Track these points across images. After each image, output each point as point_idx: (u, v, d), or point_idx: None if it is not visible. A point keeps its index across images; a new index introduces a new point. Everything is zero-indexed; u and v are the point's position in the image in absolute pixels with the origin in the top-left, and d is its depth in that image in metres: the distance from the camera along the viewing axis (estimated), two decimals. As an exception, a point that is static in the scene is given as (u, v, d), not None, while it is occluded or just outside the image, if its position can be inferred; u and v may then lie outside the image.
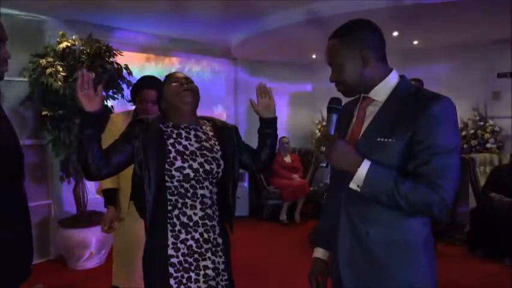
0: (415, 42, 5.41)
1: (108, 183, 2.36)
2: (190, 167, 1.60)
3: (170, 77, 1.74)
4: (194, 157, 1.63)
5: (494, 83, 5.22)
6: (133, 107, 2.48)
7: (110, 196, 2.39)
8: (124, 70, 4.00)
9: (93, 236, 3.96)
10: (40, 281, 3.47)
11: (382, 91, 1.32)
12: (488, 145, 5.23)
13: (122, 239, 2.47)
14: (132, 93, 2.46)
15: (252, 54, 6.38)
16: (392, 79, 1.33)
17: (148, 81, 2.40)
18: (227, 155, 1.72)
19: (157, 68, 5.58)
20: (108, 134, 2.24)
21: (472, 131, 5.37)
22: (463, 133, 5.38)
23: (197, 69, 6.18)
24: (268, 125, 1.78)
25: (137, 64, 5.14)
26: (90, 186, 4.30)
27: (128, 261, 2.38)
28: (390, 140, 1.23)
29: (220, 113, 6.55)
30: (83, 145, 1.49)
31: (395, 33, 4.70)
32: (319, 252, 1.54)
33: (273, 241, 4.99)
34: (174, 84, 1.69)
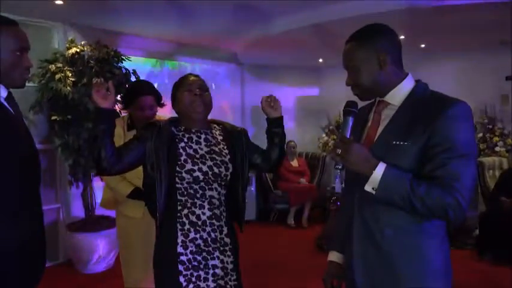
0: (422, 46, 5.39)
1: (128, 187, 2.37)
2: (200, 169, 1.66)
3: (184, 82, 1.76)
4: (204, 160, 1.68)
5: (502, 86, 5.19)
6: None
7: (139, 192, 2.33)
8: (132, 75, 4.04)
9: (101, 239, 3.98)
10: (49, 285, 3.48)
11: (398, 95, 1.33)
12: (497, 148, 5.20)
13: (129, 244, 2.48)
14: (125, 100, 2.47)
15: (259, 59, 6.39)
16: (408, 83, 1.34)
17: (143, 88, 2.43)
18: (236, 158, 1.76)
19: (164, 72, 5.62)
20: None
21: (480, 135, 5.33)
22: (472, 136, 5.34)
23: (204, 74, 6.19)
24: (275, 124, 1.81)
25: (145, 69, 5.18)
26: (99, 190, 4.33)
27: (136, 263, 2.41)
28: (406, 143, 1.24)
29: (227, 117, 6.57)
30: (97, 140, 1.56)
31: (401, 37, 4.69)
32: (334, 256, 1.54)
33: (280, 245, 4.98)
34: (186, 93, 1.71)
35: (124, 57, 4.01)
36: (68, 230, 4.06)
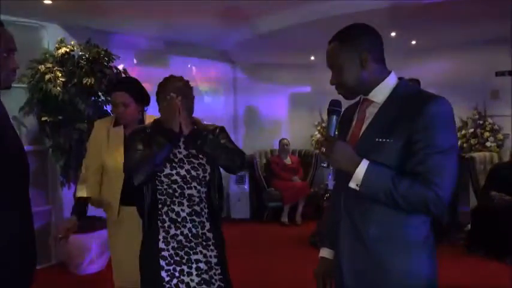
0: (413, 42, 5.42)
1: (83, 192, 2.33)
2: (177, 173, 1.71)
3: (163, 89, 1.75)
4: (182, 164, 1.73)
5: (492, 82, 5.24)
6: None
7: (81, 206, 2.35)
8: (123, 75, 4.01)
9: (93, 240, 3.96)
10: (42, 287, 3.46)
11: (380, 93, 1.35)
12: (488, 144, 5.24)
13: (118, 247, 2.47)
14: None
15: (250, 57, 6.38)
16: (390, 81, 1.36)
17: (117, 84, 2.43)
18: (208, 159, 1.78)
19: (155, 72, 5.58)
20: (93, 140, 2.32)
21: (471, 130, 5.37)
22: (463, 132, 5.38)
23: (195, 73, 6.18)
24: (195, 138, 1.69)
25: (135, 68, 5.14)
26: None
27: (123, 264, 2.41)
28: (388, 140, 1.26)
29: (219, 116, 6.53)
30: (154, 158, 1.62)
31: (393, 34, 4.71)
32: (325, 252, 1.56)
33: (274, 243, 4.99)
34: (165, 102, 1.69)
35: (115, 57, 3.98)
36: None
